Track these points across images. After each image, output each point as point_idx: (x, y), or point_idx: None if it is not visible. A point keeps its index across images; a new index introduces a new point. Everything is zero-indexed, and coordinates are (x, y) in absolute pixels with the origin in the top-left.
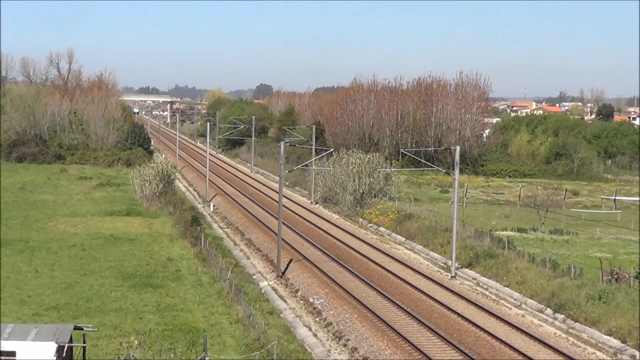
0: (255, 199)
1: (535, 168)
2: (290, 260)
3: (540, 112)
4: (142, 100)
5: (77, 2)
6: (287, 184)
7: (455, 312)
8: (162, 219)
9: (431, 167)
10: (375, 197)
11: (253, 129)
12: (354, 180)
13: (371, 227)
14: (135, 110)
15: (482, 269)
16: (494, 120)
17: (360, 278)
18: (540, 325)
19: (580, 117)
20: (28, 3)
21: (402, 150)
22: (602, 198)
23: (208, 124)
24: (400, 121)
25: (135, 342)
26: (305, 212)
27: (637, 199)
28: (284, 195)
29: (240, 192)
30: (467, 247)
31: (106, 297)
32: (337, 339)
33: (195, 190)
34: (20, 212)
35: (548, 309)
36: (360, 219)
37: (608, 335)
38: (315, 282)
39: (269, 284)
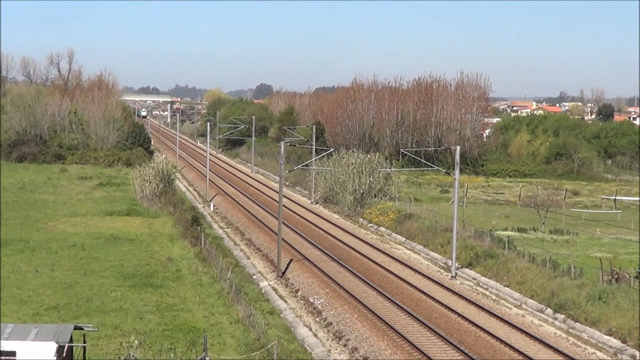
0: (256, 199)
1: (536, 168)
2: (291, 260)
3: (541, 112)
4: (142, 100)
5: (77, 2)
6: (287, 184)
7: (456, 312)
8: (162, 219)
9: (431, 167)
10: (375, 197)
11: (253, 129)
12: (354, 180)
13: (371, 227)
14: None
15: (482, 269)
16: (494, 120)
17: (361, 278)
18: (541, 325)
19: (580, 117)
20: (28, 3)
21: (402, 150)
22: (603, 198)
23: (208, 123)
24: (401, 121)
25: (136, 342)
26: (306, 212)
27: (637, 199)
28: (284, 195)
29: (240, 192)
30: (467, 247)
31: (106, 297)
32: (338, 339)
33: (195, 190)
34: (20, 212)
35: (548, 309)
36: (361, 219)
37: (608, 335)
38: (316, 282)
39: (269, 284)
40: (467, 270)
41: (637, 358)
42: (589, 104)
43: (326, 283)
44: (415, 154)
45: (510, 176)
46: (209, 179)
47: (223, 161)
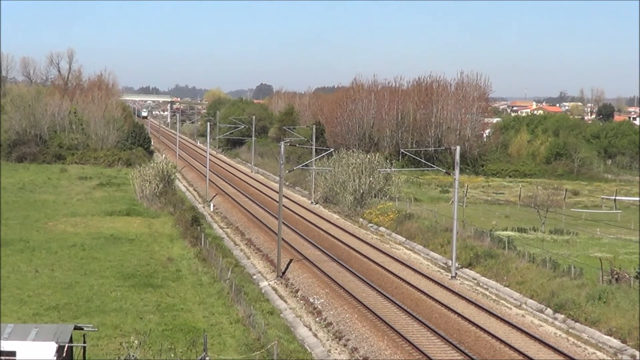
0: (256, 199)
1: (536, 168)
2: (291, 260)
3: (541, 112)
4: (142, 100)
5: (77, 2)
6: (287, 184)
7: (456, 312)
8: (162, 219)
9: (431, 167)
10: (375, 197)
11: (253, 129)
12: (354, 180)
13: (371, 227)
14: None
15: (482, 269)
16: (494, 120)
17: (361, 278)
18: (541, 325)
19: (580, 117)
20: (28, 3)
21: (402, 150)
22: (602, 198)
23: (208, 123)
24: (401, 121)
25: (136, 342)
26: (306, 212)
27: (637, 199)
28: (284, 195)
29: (240, 192)
30: (467, 247)
31: (106, 297)
32: (337, 339)
33: (195, 190)
34: (20, 212)
35: (548, 309)
36: (361, 219)
37: (608, 335)
38: (316, 282)
39: (269, 284)
40: (467, 270)
41: (637, 358)
42: (589, 104)
43: (326, 283)
44: (415, 154)
45: (510, 176)
46: (209, 179)
47: (223, 161)
